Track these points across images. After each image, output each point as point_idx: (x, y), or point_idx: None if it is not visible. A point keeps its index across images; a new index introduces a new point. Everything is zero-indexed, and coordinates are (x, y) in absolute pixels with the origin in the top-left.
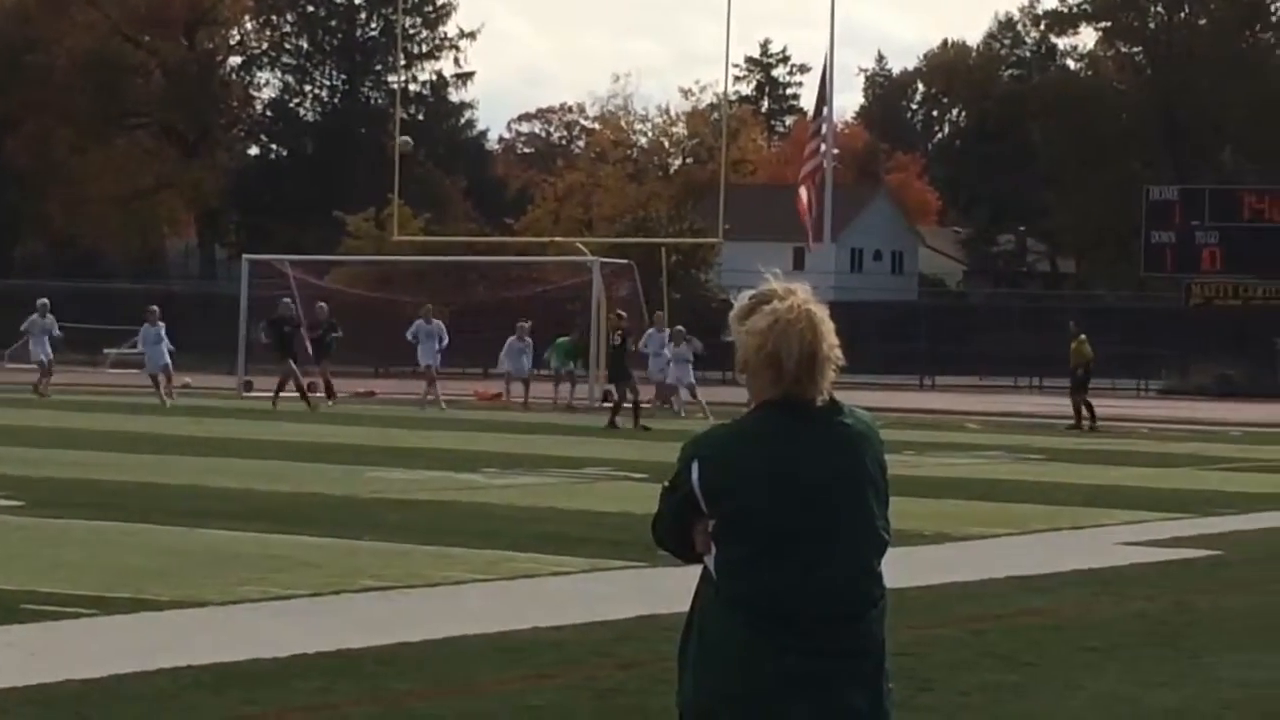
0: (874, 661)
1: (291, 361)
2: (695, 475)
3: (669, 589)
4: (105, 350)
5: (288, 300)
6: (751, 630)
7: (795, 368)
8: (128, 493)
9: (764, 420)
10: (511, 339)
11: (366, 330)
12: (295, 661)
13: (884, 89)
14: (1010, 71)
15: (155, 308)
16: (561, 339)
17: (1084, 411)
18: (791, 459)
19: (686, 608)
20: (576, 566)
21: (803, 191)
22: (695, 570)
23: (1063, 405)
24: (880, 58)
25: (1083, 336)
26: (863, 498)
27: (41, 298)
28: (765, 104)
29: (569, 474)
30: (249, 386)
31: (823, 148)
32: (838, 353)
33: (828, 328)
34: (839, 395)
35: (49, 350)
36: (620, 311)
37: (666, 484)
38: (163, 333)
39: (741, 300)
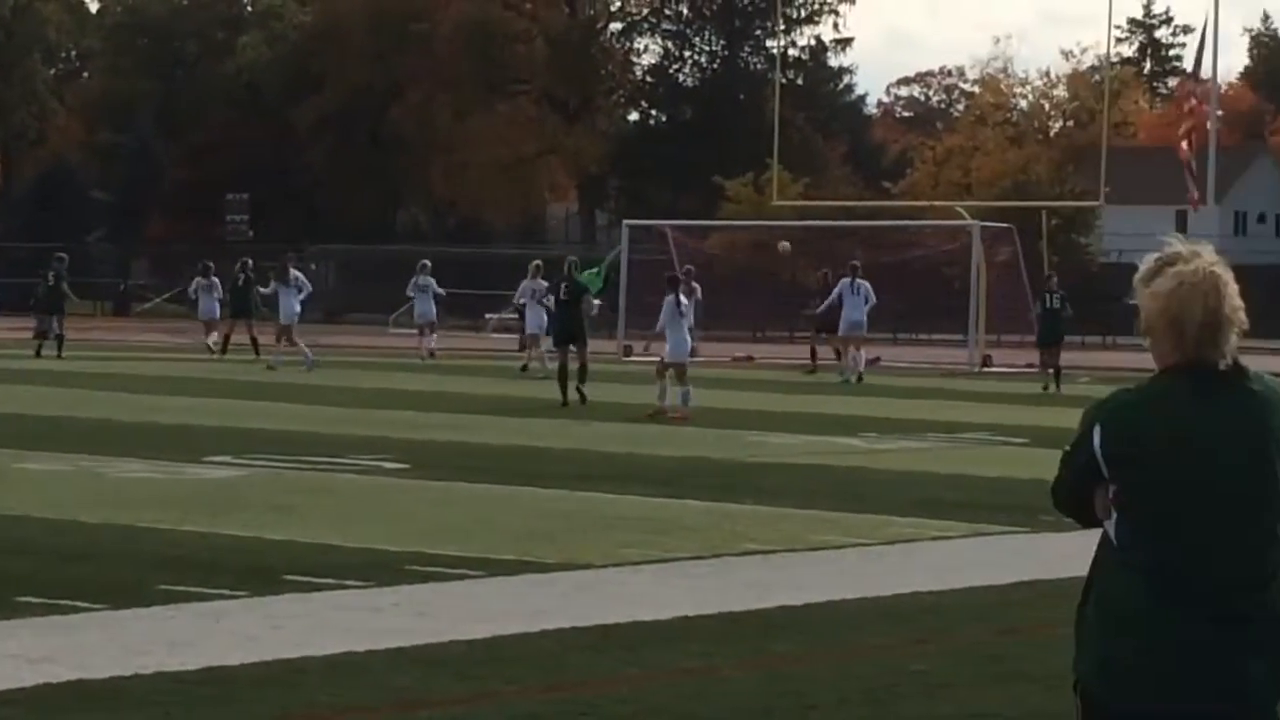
0: (1276, 630)
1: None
2: (1097, 440)
3: (1051, 554)
4: (486, 315)
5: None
6: (1153, 597)
7: (1197, 331)
8: (509, 455)
9: (1167, 385)
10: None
11: (743, 295)
12: (677, 624)
13: (1270, 49)
14: None
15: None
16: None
17: None
18: (1195, 424)
19: (1069, 573)
20: (957, 531)
21: (1184, 145)
22: (1080, 535)
23: None
24: (1265, 17)
25: None
26: (1268, 464)
27: (423, 260)
28: (1148, 65)
29: (947, 439)
30: (628, 351)
31: (1193, 106)
32: (1241, 315)
33: (1232, 290)
34: None
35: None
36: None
37: (1068, 448)
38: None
39: (1146, 263)
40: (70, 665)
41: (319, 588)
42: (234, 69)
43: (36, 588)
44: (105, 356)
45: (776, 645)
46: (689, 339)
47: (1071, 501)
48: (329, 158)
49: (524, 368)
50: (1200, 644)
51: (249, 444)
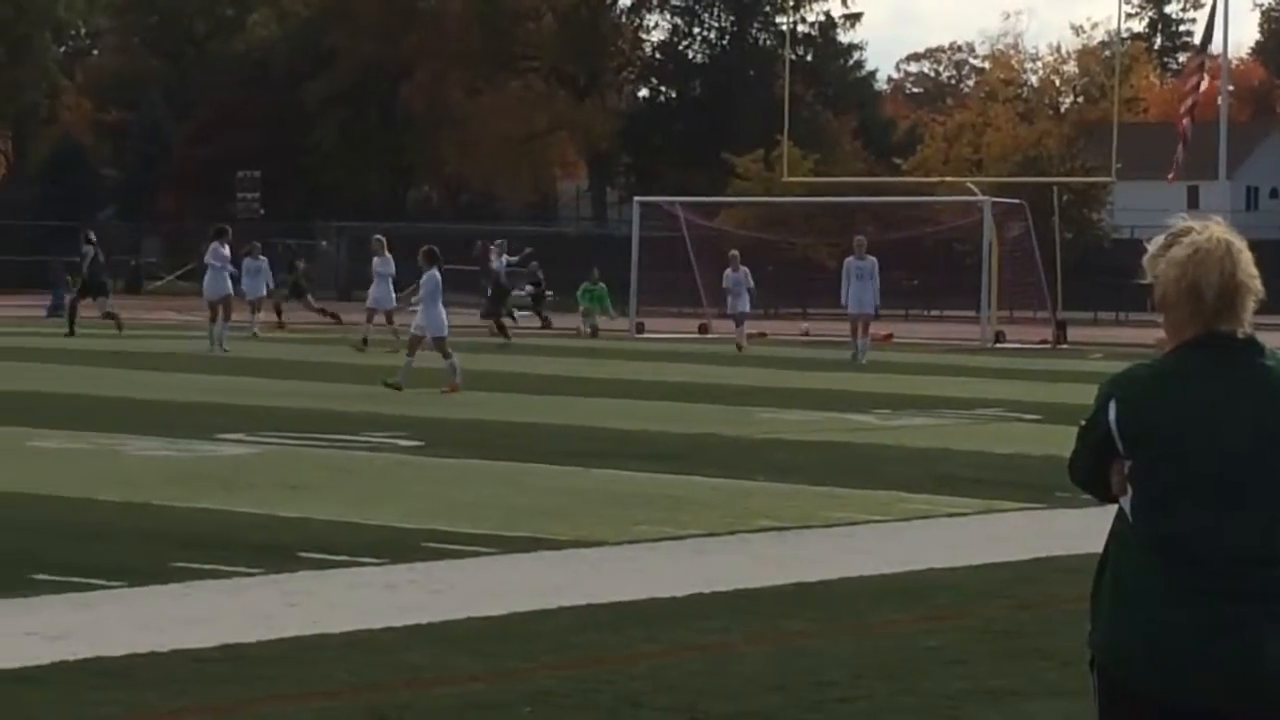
0: None
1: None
2: (1112, 415)
3: (1065, 530)
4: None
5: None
6: (1167, 572)
7: (1215, 298)
8: (522, 433)
9: (1184, 359)
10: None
11: (755, 272)
12: (693, 600)
13: None
14: None
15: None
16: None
17: None
18: (1211, 400)
19: (1083, 550)
20: (971, 508)
21: (1185, 121)
22: (1094, 512)
23: None
24: None
25: None
26: None
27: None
28: (1158, 41)
29: (961, 415)
30: (641, 328)
31: (1203, 83)
32: (1258, 283)
33: (1247, 257)
34: None
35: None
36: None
37: (1083, 423)
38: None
39: (1157, 240)
40: (87, 643)
41: (334, 565)
42: (243, 47)
43: (53, 566)
44: (117, 334)
45: (791, 622)
46: (444, 313)
47: (1087, 476)
48: (339, 135)
49: (364, 340)
50: (1215, 621)
51: (262, 422)
